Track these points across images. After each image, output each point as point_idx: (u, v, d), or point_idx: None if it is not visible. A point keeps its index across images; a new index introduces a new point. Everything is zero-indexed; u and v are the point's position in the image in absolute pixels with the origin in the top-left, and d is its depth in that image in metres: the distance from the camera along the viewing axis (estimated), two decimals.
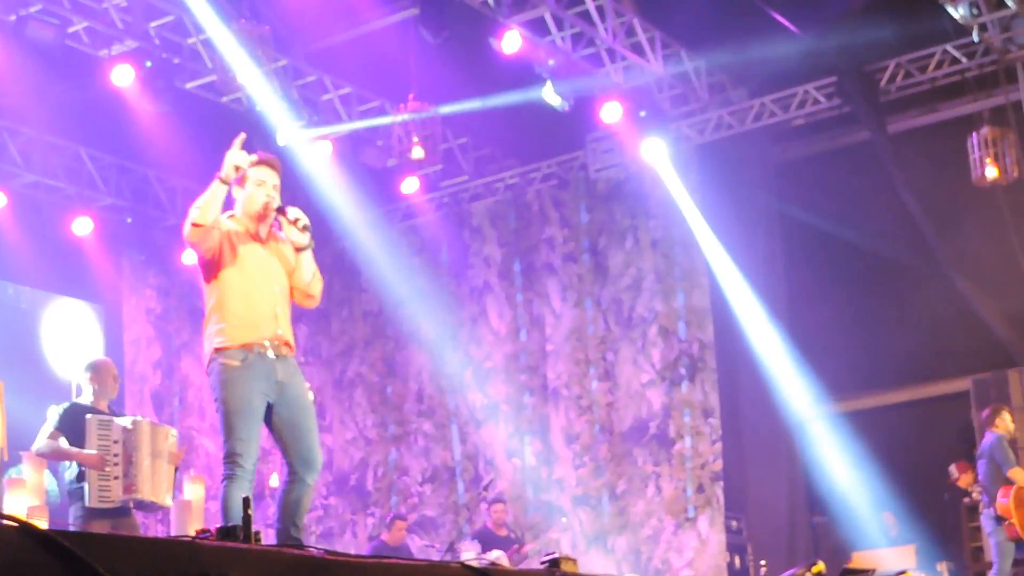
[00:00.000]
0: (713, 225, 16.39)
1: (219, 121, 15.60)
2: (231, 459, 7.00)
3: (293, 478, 7.20)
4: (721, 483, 15.97)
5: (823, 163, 17.49)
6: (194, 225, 6.98)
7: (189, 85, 15.08)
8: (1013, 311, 15.69)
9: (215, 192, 7.01)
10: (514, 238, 17.81)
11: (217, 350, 7.09)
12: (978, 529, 13.82)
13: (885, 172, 15.86)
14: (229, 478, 6.99)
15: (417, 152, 15.02)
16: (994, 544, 12.58)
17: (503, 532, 14.68)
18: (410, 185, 17.29)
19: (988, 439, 12.69)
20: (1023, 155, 15.04)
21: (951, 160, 15.56)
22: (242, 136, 7.19)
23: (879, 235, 17.08)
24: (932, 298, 16.49)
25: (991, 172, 14.65)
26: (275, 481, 18.09)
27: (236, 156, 7.11)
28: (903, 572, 13.80)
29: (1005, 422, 12.74)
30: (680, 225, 16.45)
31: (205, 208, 6.97)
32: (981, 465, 12.71)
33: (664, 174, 16.48)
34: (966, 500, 15.30)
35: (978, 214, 15.97)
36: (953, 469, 14.55)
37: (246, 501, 5.85)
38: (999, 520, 12.43)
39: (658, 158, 16.43)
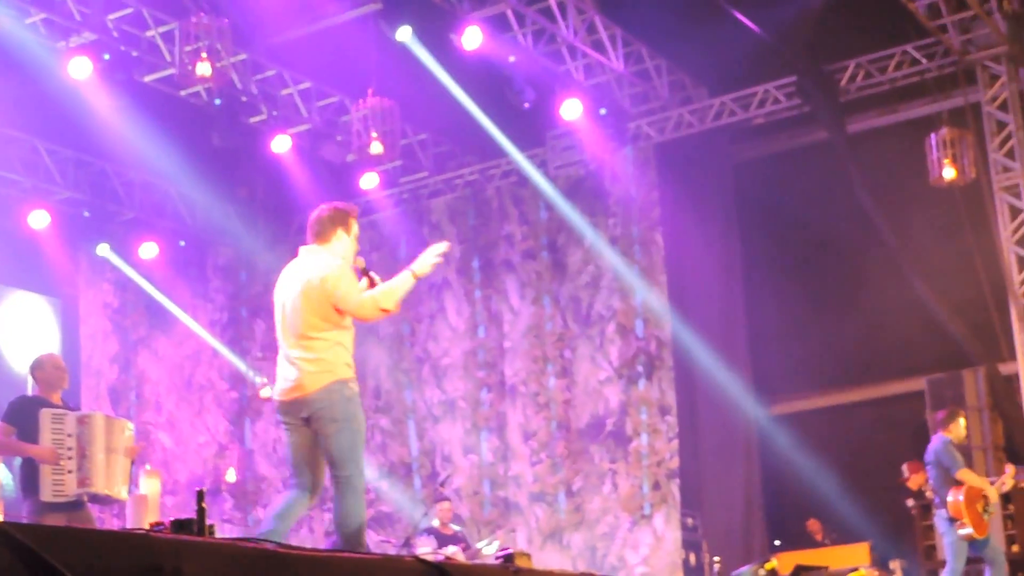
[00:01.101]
0: (672, 223, 16.43)
1: (177, 115, 15.53)
2: (360, 477, 7.36)
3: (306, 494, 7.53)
4: (677, 480, 16.01)
5: (782, 162, 17.55)
6: (382, 311, 7.41)
7: (147, 78, 15.01)
8: (969, 312, 15.76)
9: (406, 286, 7.46)
10: (473, 235, 17.80)
11: (344, 379, 7.41)
12: (931, 527, 13.86)
13: (843, 172, 15.92)
14: (353, 489, 7.32)
15: (376, 148, 14.97)
16: (948, 544, 12.61)
17: (449, 531, 14.64)
18: (369, 181, 17.24)
19: (935, 443, 12.68)
20: (981, 156, 15.14)
21: (909, 161, 15.65)
22: (446, 245, 7.61)
23: (837, 235, 17.15)
24: (889, 298, 16.56)
25: (949, 173, 14.73)
26: (231, 476, 18.04)
27: (434, 257, 7.53)
28: (856, 570, 13.86)
29: (959, 427, 12.73)
30: (639, 223, 16.48)
31: (395, 298, 7.42)
32: (930, 471, 12.73)
33: (624, 172, 16.51)
34: (910, 502, 15.31)
35: (935, 215, 16.06)
36: (905, 468, 14.59)
37: (200, 495, 5.83)
38: (951, 521, 12.47)
39: (618, 156, 16.45)
